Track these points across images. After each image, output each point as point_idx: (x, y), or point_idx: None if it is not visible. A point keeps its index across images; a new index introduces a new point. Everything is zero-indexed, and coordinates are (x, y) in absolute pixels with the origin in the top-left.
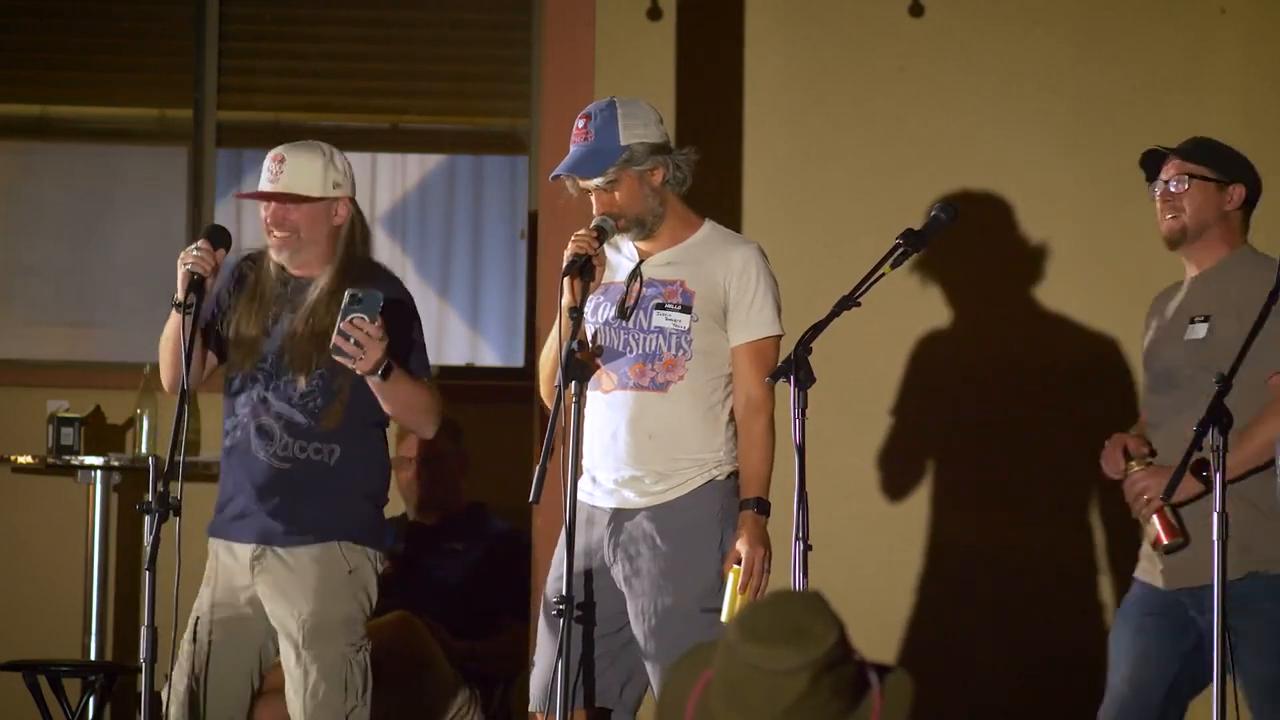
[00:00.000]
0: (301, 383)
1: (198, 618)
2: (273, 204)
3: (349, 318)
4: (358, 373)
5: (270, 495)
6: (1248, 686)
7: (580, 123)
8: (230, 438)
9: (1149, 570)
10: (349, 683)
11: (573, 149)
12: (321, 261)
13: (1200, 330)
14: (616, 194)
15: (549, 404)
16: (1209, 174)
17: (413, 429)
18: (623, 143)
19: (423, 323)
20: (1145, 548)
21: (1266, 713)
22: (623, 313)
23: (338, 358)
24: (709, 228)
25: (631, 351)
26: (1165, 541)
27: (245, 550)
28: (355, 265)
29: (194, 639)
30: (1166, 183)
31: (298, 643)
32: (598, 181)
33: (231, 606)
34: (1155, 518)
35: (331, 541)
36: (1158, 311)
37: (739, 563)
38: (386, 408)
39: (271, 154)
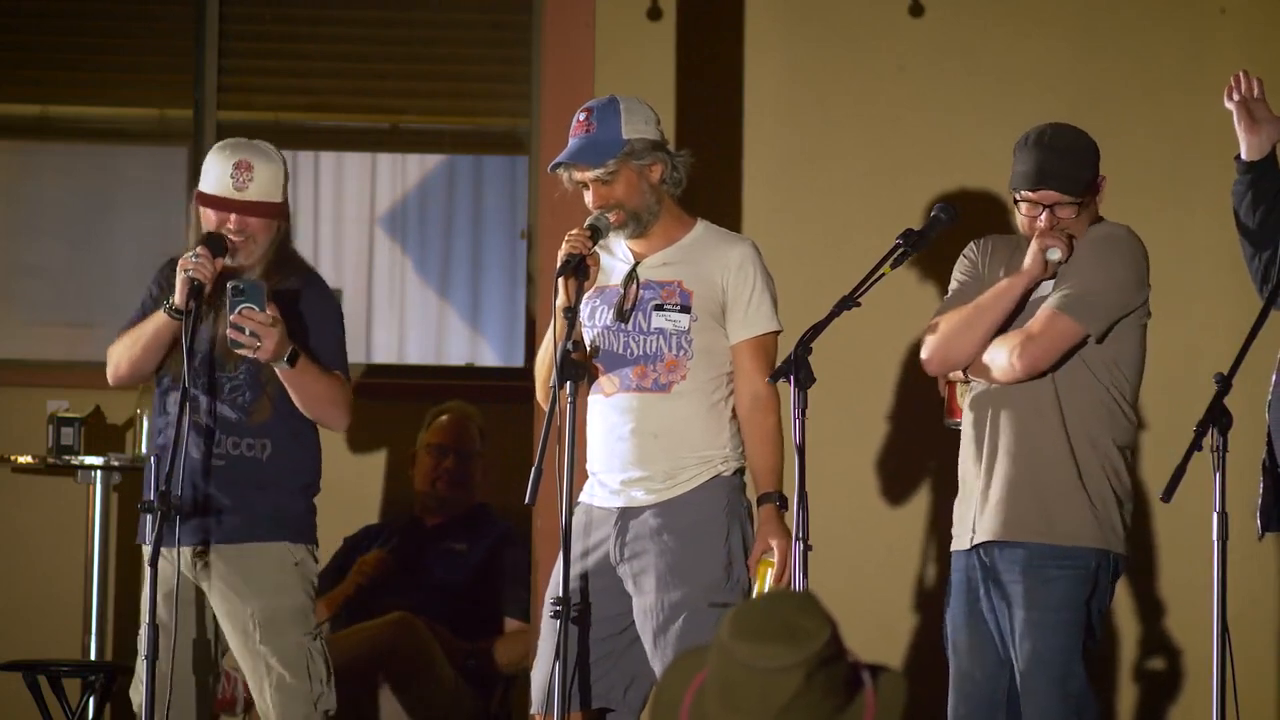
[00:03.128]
0: (234, 366)
1: (149, 623)
2: (234, 213)
3: (238, 309)
4: (262, 359)
5: (207, 493)
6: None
7: (581, 115)
8: (163, 435)
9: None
10: (311, 670)
11: (572, 141)
12: (258, 260)
13: (1048, 287)
14: (615, 187)
15: (545, 407)
16: (1086, 196)
17: (322, 422)
18: (625, 136)
19: (343, 320)
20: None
21: (1041, 685)
22: (621, 315)
23: (237, 350)
24: (702, 227)
25: (632, 354)
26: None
27: (185, 550)
28: (284, 261)
29: (150, 644)
30: (1050, 208)
31: (254, 638)
32: (597, 172)
33: (179, 597)
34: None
35: (274, 541)
36: (1000, 262)
37: (765, 554)
38: (295, 398)
39: (234, 159)
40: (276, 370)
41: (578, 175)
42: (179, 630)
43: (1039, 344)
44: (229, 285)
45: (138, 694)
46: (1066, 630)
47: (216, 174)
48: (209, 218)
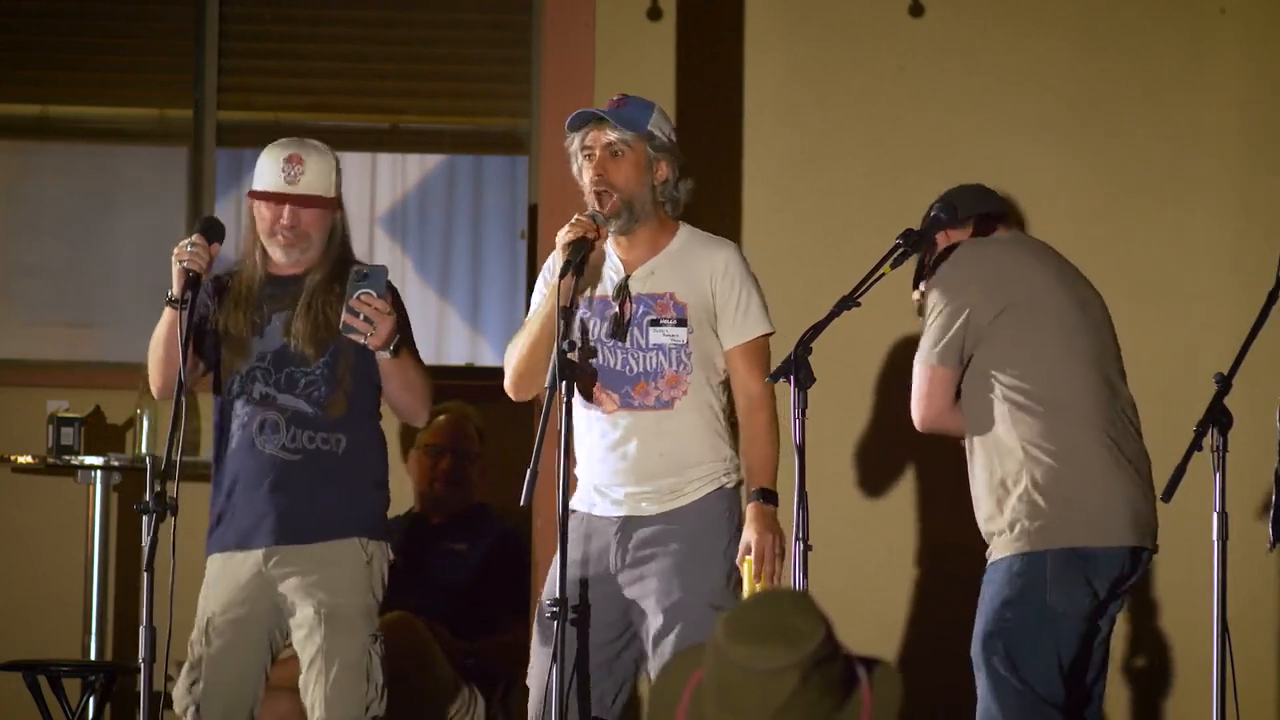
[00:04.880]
0: (313, 360)
1: (208, 619)
2: (288, 205)
3: (357, 294)
4: (371, 348)
5: (282, 489)
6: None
7: (615, 96)
8: (234, 439)
9: None
10: (370, 673)
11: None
12: (315, 259)
13: None
14: (622, 164)
15: (514, 396)
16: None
17: (408, 414)
18: (650, 127)
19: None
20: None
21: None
22: (617, 333)
23: (349, 335)
24: (686, 232)
25: (632, 371)
26: None
27: (257, 551)
28: (345, 259)
29: (206, 641)
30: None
31: (320, 633)
32: (614, 137)
33: (241, 605)
34: None
35: (350, 537)
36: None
37: (749, 554)
38: (392, 387)
39: (284, 154)
40: (379, 358)
41: (590, 139)
42: (248, 623)
43: (920, 403)
44: (353, 269)
45: (183, 697)
46: (983, 633)
47: (268, 170)
48: (262, 215)
